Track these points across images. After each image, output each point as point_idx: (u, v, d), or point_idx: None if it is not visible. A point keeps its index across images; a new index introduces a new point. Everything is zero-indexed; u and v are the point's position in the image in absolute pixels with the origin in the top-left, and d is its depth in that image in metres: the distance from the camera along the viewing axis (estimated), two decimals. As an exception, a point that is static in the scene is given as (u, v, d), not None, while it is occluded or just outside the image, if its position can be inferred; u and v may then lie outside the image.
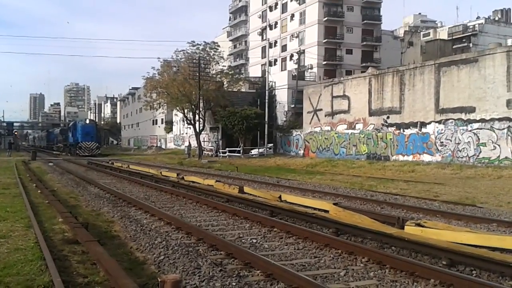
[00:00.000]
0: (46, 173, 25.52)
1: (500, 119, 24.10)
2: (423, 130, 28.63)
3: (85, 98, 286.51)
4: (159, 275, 5.92)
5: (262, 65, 71.03)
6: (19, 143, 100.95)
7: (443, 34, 79.29)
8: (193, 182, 18.29)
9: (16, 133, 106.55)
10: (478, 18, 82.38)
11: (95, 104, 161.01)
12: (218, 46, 49.85)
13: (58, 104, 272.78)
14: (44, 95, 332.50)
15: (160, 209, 11.68)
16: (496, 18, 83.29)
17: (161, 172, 22.69)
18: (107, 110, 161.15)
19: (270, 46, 63.02)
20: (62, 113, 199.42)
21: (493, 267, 6.11)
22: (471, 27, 77.04)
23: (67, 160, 41.91)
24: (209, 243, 7.70)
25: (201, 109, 45.76)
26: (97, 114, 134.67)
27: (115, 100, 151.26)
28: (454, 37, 76.33)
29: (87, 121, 58.84)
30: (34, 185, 17.50)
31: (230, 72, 53.49)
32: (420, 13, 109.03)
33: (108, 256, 6.35)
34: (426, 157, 28.08)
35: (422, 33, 79.41)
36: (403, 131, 29.97)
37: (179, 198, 14.06)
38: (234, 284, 5.71)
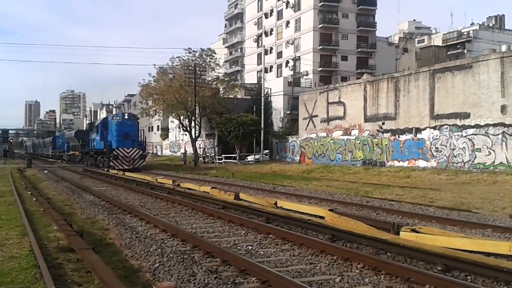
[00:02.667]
0: (41, 180, 25.42)
1: (494, 125, 24.20)
2: (418, 136, 28.72)
3: (81, 105, 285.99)
4: (154, 282, 5.92)
5: (258, 71, 71.19)
6: (14, 150, 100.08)
7: (437, 41, 79.76)
8: (189, 189, 18.27)
9: (11, 140, 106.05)
10: (472, 24, 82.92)
11: (90, 111, 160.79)
12: (214, 53, 50.00)
13: (53, 111, 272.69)
14: (39, 102, 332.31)
15: (156, 216, 11.66)
16: (490, 24, 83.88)
17: (156, 179, 22.66)
18: (102, 117, 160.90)
19: (266, 53, 63.16)
20: (58, 120, 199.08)
21: (488, 273, 6.13)
22: (466, 33, 77.53)
23: (62, 167, 41.77)
24: (204, 250, 7.69)
25: (197, 116, 45.79)
26: (92, 121, 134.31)
27: (110, 107, 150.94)
28: (448, 44, 76.80)
29: (126, 116, 37.68)
30: (29, 192, 17.43)
31: (226, 79, 53.65)
32: (414, 20, 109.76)
33: (103, 264, 6.33)
34: (421, 163, 28.14)
35: (416, 39, 79.88)
36: (398, 137, 30.05)
37: (175, 205, 14.03)
38: (229, 291, 5.69)
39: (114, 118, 37.19)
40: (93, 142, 40.37)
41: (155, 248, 7.89)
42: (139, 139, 38.21)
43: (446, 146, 26.78)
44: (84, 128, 74.86)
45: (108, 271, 5.91)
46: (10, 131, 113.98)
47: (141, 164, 35.05)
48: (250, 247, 8.13)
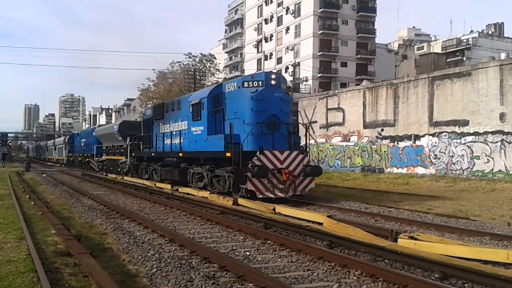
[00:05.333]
0: (39, 184, 25.39)
1: (493, 132, 24.26)
2: (417, 143, 28.75)
3: (80, 109, 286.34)
4: (152, 288, 5.90)
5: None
6: (13, 154, 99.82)
7: (437, 48, 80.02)
8: (188, 193, 18.24)
9: (10, 143, 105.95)
10: (471, 32, 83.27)
11: (90, 115, 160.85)
12: (214, 58, 50.25)
13: (53, 115, 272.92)
14: (39, 105, 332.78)
15: (154, 221, 11.65)
16: (490, 32, 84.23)
17: (155, 184, 22.61)
18: (102, 121, 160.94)
19: (266, 59, 63.42)
20: (57, 124, 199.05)
21: (485, 280, 6.13)
22: (465, 41, 77.81)
23: (60, 171, 41.67)
24: (202, 255, 7.68)
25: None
26: (92, 126, 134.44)
27: (110, 111, 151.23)
28: (447, 51, 77.02)
29: (273, 81, 16.34)
30: (27, 196, 17.41)
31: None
32: (414, 27, 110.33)
33: (100, 268, 6.32)
34: (420, 170, 28.17)
35: (416, 46, 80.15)
36: (397, 143, 30.09)
37: (173, 210, 14.01)
38: (226, 297, 5.68)
39: (245, 84, 16.46)
40: (170, 139, 21.80)
41: (152, 253, 7.87)
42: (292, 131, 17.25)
43: (444, 153, 26.81)
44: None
45: (105, 276, 5.90)
46: (9, 134, 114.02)
47: (308, 188, 16.19)
48: (248, 253, 8.12)
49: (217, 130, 17.56)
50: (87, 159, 43.77)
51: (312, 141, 32.35)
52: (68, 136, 58.22)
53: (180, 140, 20.43)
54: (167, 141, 22.32)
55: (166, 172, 22.00)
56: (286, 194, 15.36)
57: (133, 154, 27.45)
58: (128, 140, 28.42)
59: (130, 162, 28.29)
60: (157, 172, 23.44)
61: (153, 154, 24.22)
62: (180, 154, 20.28)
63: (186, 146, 19.91)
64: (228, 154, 15.61)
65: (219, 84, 18.89)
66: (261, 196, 14.88)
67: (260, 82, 16.22)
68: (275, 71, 68.02)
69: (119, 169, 32.11)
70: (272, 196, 15.04)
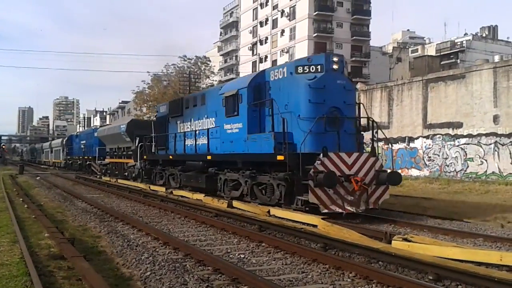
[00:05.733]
0: (33, 187, 25.26)
1: (487, 135, 24.41)
2: (411, 145, 28.88)
3: (74, 111, 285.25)
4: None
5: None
6: (6, 157, 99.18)
7: (431, 51, 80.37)
8: (182, 196, 18.21)
9: (4, 146, 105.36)
10: (465, 34, 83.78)
11: (84, 117, 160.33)
12: (209, 60, 50.22)
13: (46, 117, 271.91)
14: (33, 108, 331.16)
15: (148, 224, 11.62)
16: (484, 35, 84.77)
17: (149, 187, 22.57)
18: (96, 123, 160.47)
19: (261, 61, 63.52)
20: (51, 127, 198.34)
21: (479, 282, 6.14)
22: (459, 43, 78.26)
23: (54, 174, 41.50)
24: (196, 258, 7.66)
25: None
26: (86, 128, 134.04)
27: (104, 113, 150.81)
28: (442, 53, 77.37)
29: (334, 65, 13.01)
30: (21, 199, 17.31)
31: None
32: (408, 30, 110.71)
33: (93, 271, 6.29)
34: (414, 172, 28.27)
35: (410, 49, 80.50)
36: (392, 145, 30.19)
37: (167, 213, 13.98)
38: (220, 300, 5.66)
39: (299, 69, 13.20)
40: (194, 140, 18.79)
41: (146, 256, 7.85)
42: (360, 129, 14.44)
43: (438, 155, 26.94)
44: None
45: (99, 279, 5.88)
46: (2, 137, 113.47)
47: (382, 199, 12.88)
48: (242, 256, 8.11)
49: (261, 127, 14.32)
50: (88, 162, 40.46)
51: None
52: (66, 138, 54.84)
53: (207, 141, 17.40)
54: (189, 142, 19.34)
55: (188, 178, 18.73)
56: (357, 209, 12.13)
57: (144, 157, 24.23)
58: (137, 141, 25.69)
59: (141, 166, 25.18)
60: (176, 178, 20.63)
61: (171, 157, 20.89)
62: (208, 157, 16.91)
63: (215, 147, 16.78)
64: (280, 157, 12.48)
65: (260, 72, 15.39)
66: (325, 210, 11.68)
67: (318, 67, 12.92)
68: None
69: (126, 174, 29.19)
70: (341, 210, 11.84)
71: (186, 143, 19.73)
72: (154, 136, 23.44)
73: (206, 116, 18.08)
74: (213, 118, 17.28)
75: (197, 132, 18.61)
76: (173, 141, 21.19)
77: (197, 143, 18.54)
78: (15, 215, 12.46)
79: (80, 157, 43.55)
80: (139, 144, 25.02)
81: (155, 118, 24.49)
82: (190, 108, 19.79)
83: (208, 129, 17.47)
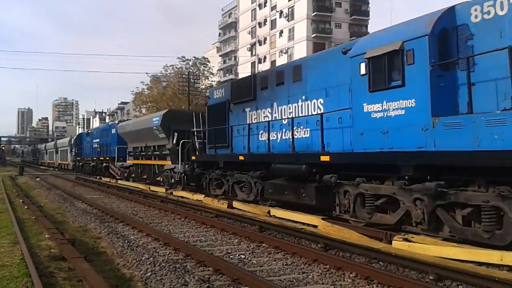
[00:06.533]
0: (33, 188, 25.26)
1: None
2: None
3: (74, 112, 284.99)
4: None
5: (251, 80, 71.36)
6: (6, 158, 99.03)
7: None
8: (182, 197, 18.21)
9: (3, 148, 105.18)
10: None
11: (83, 118, 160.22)
12: (208, 61, 50.27)
13: (46, 118, 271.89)
14: (32, 109, 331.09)
15: (148, 224, 11.62)
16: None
17: (149, 187, 22.57)
18: (95, 124, 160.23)
19: (259, 62, 63.57)
20: (50, 128, 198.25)
21: (480, 282, 6.14)
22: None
23: (54, 175, 41.48)
24: (197, 259, 7.66)
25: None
26: (85, 129, 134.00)
27: (104, 114, 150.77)
28: (440, 54, 77.45)
29: None
30: (21, 200, 17.31)
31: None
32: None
33: (94, 272, 6.30)
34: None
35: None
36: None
37: (167, 214, 13.98)
38: (221, 300, 5.66)
39: None
40: (282, 132, 13.76)
41: (147, 257, 7.85)
42: None
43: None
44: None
45: (99, 280, 5.88)
46: (2, 138, 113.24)
47: None
48: (243, 256, 8.12)
49: (457, 105, 8.74)
50: (104, 164, 34.03)
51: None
52: (74, 137, 49.77)
53: (320, 133, 11.27)
54: (275, 135, 13.78)
55: (279, 190, 12.90)
56: None
57: (193, 157, 18.59)
58: (174, 138, 20.52)
59: (184, 170, 19.38)
60: (248, 187, 14.91)
61: (242, 158, 14.75)
62: (325, 158, 10.90)
63: (340, 142, 11.08)
64: None
65: (449, 9, 8.93)
66: None
67: None
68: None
69: (159, 179, 23.96)
70: None
71: (271, 137, 13.78)
72: (206, 131, 18.08)
73: (304, 97, 12.64)
74: (323, 99, 11.97)
75: (299, 121, 12.67)
76: (242, 135, 15.32)
77: (299, 135, 12.72)
78: (16, 216, 12.47)
79: (94, 158, 37.27)
80: (180, 141, 19.79)
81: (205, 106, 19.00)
82: (271, 88, 14.27)
83: (322, 114, 11.37)
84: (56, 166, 58.26)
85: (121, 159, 29.95)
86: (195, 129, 19.01)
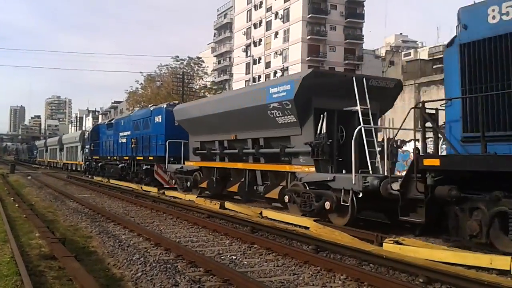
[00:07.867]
0: (24, 186, 25.09)
1: (478, 139, 24.36)
2: (404, 148, 28.98)
3: (66, 111, 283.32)
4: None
5: (246, 81, 71.35)
6: None
7: (423, 54, 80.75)
8: (174, 197, 18.18)
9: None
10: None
11: (76, 117, 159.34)
12: (202, 61, 50.31)
13: (38, 116, 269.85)
14: (24, 107, 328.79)
15: (139, 224, 11.58)
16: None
17: (141, 187, 22.49)
18: (88, 123, 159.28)
19: (254, 63, 63.48)
20: (43, 126, 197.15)
21: (469, 285, 6.19)
22: (451, 48, 78.58)
23: (45, 173, 41.23)
24: (188, 259, 7.65)
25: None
26: (78, 128, 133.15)
27: (97, 113, 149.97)
28: (434, 57, 77.64)
29: None
30: (12, 198, 17.20)
31: (214, 87, 53.77)
32: (401, 33, 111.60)
33: (84, 272, 6.27)
34: (406, 175, 28.26)
35: (403, 53, 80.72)
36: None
37: (159, 214, 13.94)
38: (212, 301, 5.65)
39: None
40: None
41: (138, 257, 7.83)
42: None
43: (430, 159, 26.96)
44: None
45: (89, 280, 5.86)
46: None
47: None
48: (234, 257, 8.11)
49: None
50: (145, 167, 23.83)
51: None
52: (90, 129, 38.82)
53: None
54: None
55: None
56: None
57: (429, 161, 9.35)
58: (323, 124, 11.96)
59: (363, 183, 10.35)
60: None
61: None
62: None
63: None
64: None
65: None
66: None
67: None
68: (263, 75, 68.20)
69: (286, 199, 12.70)
70: None
71: None
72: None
73: None
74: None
75: None
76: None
77: None
78: (6, 215, 12.38)
79: (125, 158, 26.83)
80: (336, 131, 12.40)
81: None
82: None
83: None
84: (61, 166, 48.31)
85: (172, 159, 20.65)
86: (359, 107, 11.75)
